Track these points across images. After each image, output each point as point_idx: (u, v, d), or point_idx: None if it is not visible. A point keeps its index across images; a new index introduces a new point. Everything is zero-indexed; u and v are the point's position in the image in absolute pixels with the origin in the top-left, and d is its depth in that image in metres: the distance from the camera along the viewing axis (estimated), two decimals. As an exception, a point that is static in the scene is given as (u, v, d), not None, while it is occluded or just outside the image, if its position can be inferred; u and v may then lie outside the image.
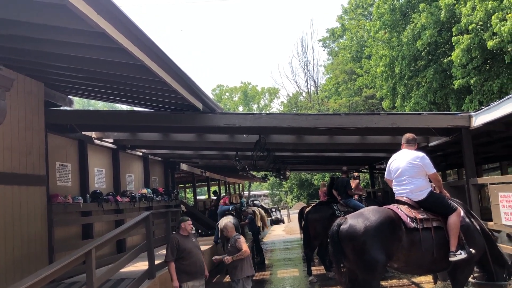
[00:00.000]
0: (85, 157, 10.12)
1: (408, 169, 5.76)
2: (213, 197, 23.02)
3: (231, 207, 14.28)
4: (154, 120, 9.34)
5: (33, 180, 7.65)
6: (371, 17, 28.08)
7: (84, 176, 10.04)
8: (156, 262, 8.00)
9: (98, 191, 10.26)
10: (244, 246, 7.35)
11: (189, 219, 7.41)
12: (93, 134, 10.59)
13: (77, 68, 6.80)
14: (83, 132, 10.04)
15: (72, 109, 9.65)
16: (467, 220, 5.87)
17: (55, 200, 8.36)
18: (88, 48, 5.76)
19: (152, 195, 13.10)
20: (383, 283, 9.33)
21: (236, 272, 7.36)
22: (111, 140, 11.40)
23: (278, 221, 32.61)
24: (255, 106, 68.00)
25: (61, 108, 9.49)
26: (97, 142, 10.82)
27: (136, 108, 10.75)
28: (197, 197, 25.50)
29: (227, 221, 11.89)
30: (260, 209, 23.97)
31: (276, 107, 64.90)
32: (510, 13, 12.41)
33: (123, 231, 7.29)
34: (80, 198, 9.40)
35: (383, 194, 14.91)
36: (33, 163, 7.73)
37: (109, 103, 33.75)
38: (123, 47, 5.22)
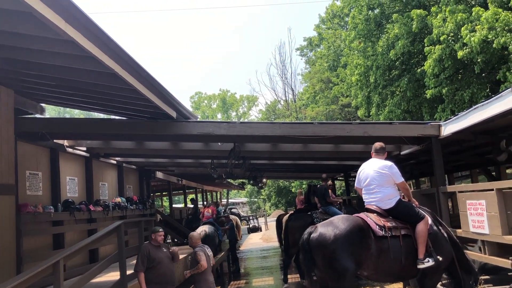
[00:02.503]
0: (57, 166, 9.95)
1: (377, 177, 5.85)
2: (190, 205, 22.85)
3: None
4: (127, 128, 9.25)
5: (1, 189, 7.49)
6: (347, 27, 28.44)
7: (56, 185, 9.86)
8: (129, 272, 7.89)
9: (70, 200, 10.09)
10: (202, 259, 7.34)
11: (161, 230, 7.32)
12: (65, 142, 10.42)
13: (47, 76, 6.73)
14: (55, 140, 9.88)
15: (43, 116, 9.49)
16: (435, 228, 5.97)
17: (25, 210, 8.18)
18: (58, 56, 5.72)
19: (126, 204, 12.94)
20: (357, 291, 9.41)
21: (195, 285, 7.41)
22: (84, 148, 11.24)
23: (256, 229, 32.58)
24: (233, 114, 68.05)
25: (32, 116, 9.34)
26: (70, 150, 10.65)
27: (113, 117, 10.63)
28: (174, 206, 25.26)
29: (201, 230, 11.87)
30: (237, 218, 23.95)
31: (254, 114, 65.12)
32: (479, 24, 12.75)
33: (93, 241, 7.17)
34: (51, 207, 9.22)
35: (357, 202, 15.04)
36: (2, 171, 7.56)
37: (86, 111, 33.35)
38: (92, 55, 5.19)
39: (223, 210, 19.87)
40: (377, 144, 6.20)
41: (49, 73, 6.53)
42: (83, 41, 4.91)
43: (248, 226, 33.25)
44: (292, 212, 14.70)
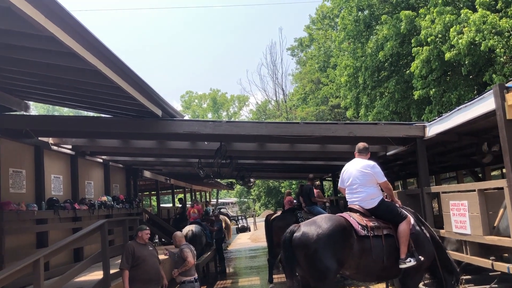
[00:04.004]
0: (41, 163, 9.86)
1: (360, 177, 5.86)
2: (178, 204, 22.78)
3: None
4: (113, 126, 9.21)
5: (-18, 186, 7.41)
6: (337, 28, 28.52)
7: (40, 183, 9.77)
8: (113, 271, 7.83)
9: (54, 198, 10.01)
10: (189, 256, 7.32)
11: (147, 228, 7.29)
12: (50, 140, 10.34)
13: (29, 73, 6.65)
14: (39, 138, 9.79)
15: (27, 114, 9.40)
16: (417, 228, 5.98)
17: (7, 208, 8.10)
18: (39, 52, 5.66)
19: (112, 202, 12.86)
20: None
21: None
22: (70, 146, 11.15)
23: (244, 229, 32.57)
24: (224, 114, 67.85)
25: (16, 113, 9.25)
26: (55, 148, 10.56)
27: (103, 115, 10.56)
28: (163, 205, 25.14)
29: (188, 229, 11.84)
30: (226, 218, 23.93)
31: (245, 114, 64.92)
32: (466, 26, 12.82)
33: (76, 240, 7.11)
34: (35, 205, 9.13)
35: (344, 203, 15.07)
36: (-17, 169, 7.48)
37: (75, 110, 32.99)
38: (74, 51, 5.14)
39: (211, 210, 19.84)
40: (360, 144, 6.22)
41: (32, 70, 6.46)
42: (64, 37, 4.85)
43: (236, 226, 33.25)
44: (281, 211, 14.69)
